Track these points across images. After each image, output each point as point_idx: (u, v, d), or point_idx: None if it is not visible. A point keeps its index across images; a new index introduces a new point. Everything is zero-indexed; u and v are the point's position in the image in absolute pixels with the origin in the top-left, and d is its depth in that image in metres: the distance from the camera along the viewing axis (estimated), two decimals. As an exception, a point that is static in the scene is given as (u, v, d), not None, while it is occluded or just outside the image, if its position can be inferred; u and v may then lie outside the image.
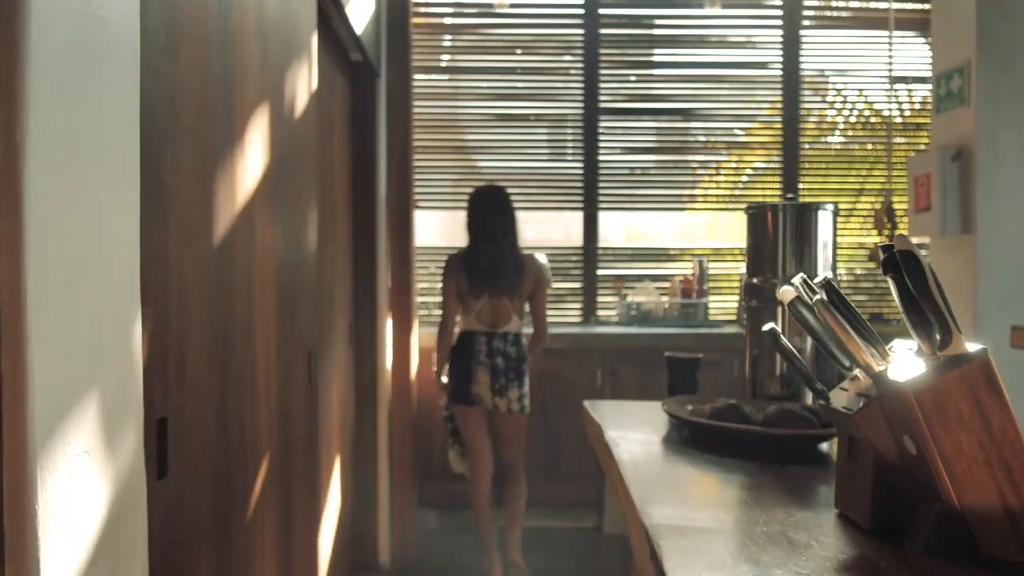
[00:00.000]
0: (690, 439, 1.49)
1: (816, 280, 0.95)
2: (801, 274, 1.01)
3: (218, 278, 1.25)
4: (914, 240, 3.84)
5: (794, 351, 1.01)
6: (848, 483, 1.01)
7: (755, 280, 1.81)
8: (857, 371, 1.00)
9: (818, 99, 4.41)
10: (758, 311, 1.82)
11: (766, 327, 1.02)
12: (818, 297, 0.95)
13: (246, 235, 1.40)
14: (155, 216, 1.00)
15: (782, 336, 1.02)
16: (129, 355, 0.86)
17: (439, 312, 4.05)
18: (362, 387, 3.03)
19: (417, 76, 4.20)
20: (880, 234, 3.85)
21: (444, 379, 3.22)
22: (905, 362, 0.92)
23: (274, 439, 1.57)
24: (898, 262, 0.88)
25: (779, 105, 4.35)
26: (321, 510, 2.25)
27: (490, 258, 3.14)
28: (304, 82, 1.86)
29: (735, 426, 1.37)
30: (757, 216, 1.83)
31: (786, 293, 1.00)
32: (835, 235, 1.79)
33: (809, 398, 1.76)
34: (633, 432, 1.57)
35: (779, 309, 1.77)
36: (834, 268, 1.79)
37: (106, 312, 0.80)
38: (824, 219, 1.76)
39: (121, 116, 0.85)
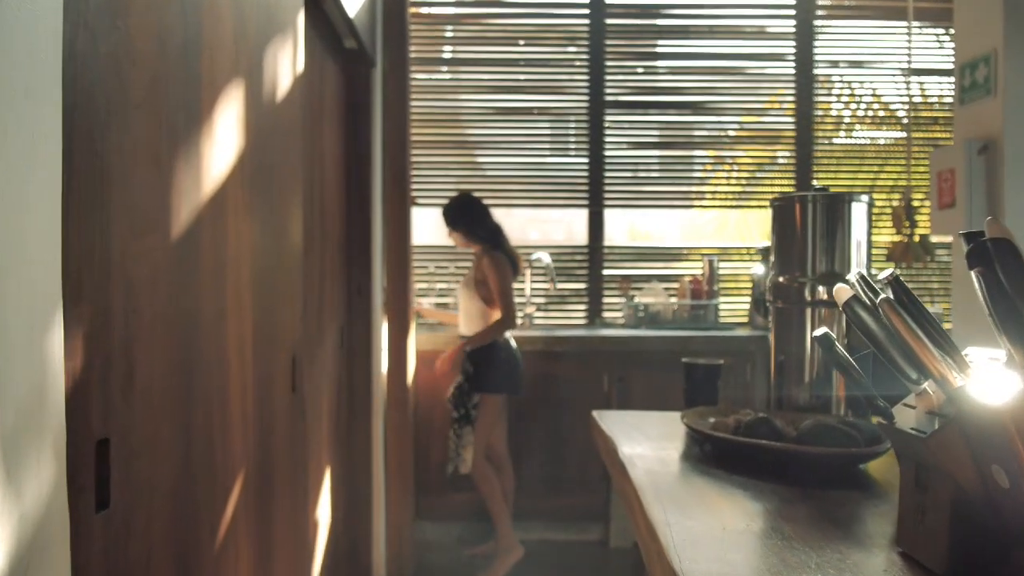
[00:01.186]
0: (713, 456, 1.34)
1: (880, 277, 0.80)
2: (859, 270, 0.85)
3: (179, 274, 1.10)
4: (935, 239, 3.68)
5: (852, 361, 0.85)
6: (916, 519, 0.85)
7: (781, 279, 1.65)
8: (927, 385, 0.83)
9: (833, 92, 4.25)
10: (784, 312, 1.66)
11: (818, 332, 0.86)
12: (884, 296, 0.79)
13: (215, 227, 1.24)
14: (90, 198, 0.84)
15: (837, 343, 0.86)
16: (45, 367, 0.70)
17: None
18: (355, 394, 2.87)
19: (416, 68, 4.04)
20: (899, 232, 3.69)
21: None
22: (992, 375, 0.76)
23: (250, 455, 1.41)
24: (989, 253, 0.72)
25: (792, 98, 4.19)
26: (308, 527, 2.09)
27: (514, 256, 3.43)
28: (288, 62, 1.71)
29: (768, 444, 1.21)
30: (783, 209, 1.67)
31: (841, 292, 0.84)
32: (870, 230, 1.62)
33: (841, 408, 1.60)
34: (650, 448, 1.41)
35: (808, 311, 1.61)
36: (868, 267, 1.63)
37: (7, 313, 0.64)
38: (858, 212, 1.60)
39: (29, 72, 0.69)
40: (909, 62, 3.93)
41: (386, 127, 3.09)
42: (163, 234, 1.04)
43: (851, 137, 4.31)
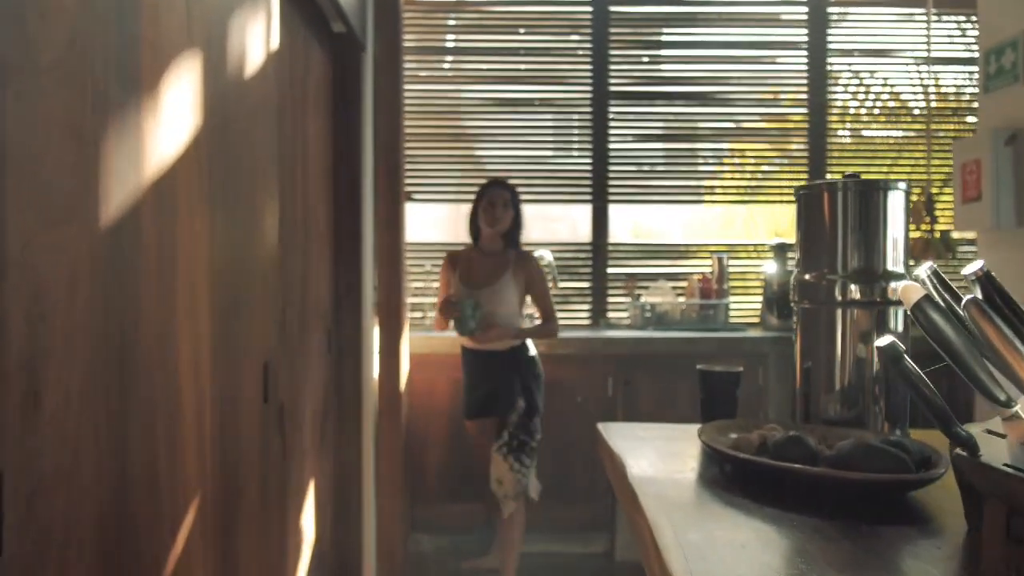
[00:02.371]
0: (736, 479, 1.17)
1: (968, 271, 0.63)
2: (931, 263, 0.68)
3: (110, 273, 0.93)
4: (957, 235, 3.50)
5: (925, 379, 0.68)
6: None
7: (808, 277, 1.48)
8: (1019, 408, 0.66)
9: (841, 82, 4.07)
10: (811, 314, 1.49)
11: (883, 342, 0.69)
12: (971, 296, 0.62)
13: (162, 218, 1.07)
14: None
15: (907, 356, 0.69)
16: None
17: (429, 314, 3.72)
18: (344, 400, 2.70)
19: (412, 57, 3.88)
20: (918, 228, 3.51)
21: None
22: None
23: (208, 478, 1.24)
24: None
25: (804, 89, 4.01)
26: (286, 547, 1.92)
27: None
28: (259, 36, 1.54)
29: (802, 468, 1.03)
30: (810, 199, 1.49)
31: (910, 290, 0.67)
32: (907, 223, 1.45)
33: (868, 414, 1.43)
34: (662, 469, 1.24)
35: (839, 311, 1.44)
36: (906, 264, 1.45)
37: None
38: (895, 201, 1.43)
39: None
40: (928, 51, 3.75)
41: (378, 117, 2.92)
42: (87, 225, 0.88)
43: (867, 128, 4.13)
